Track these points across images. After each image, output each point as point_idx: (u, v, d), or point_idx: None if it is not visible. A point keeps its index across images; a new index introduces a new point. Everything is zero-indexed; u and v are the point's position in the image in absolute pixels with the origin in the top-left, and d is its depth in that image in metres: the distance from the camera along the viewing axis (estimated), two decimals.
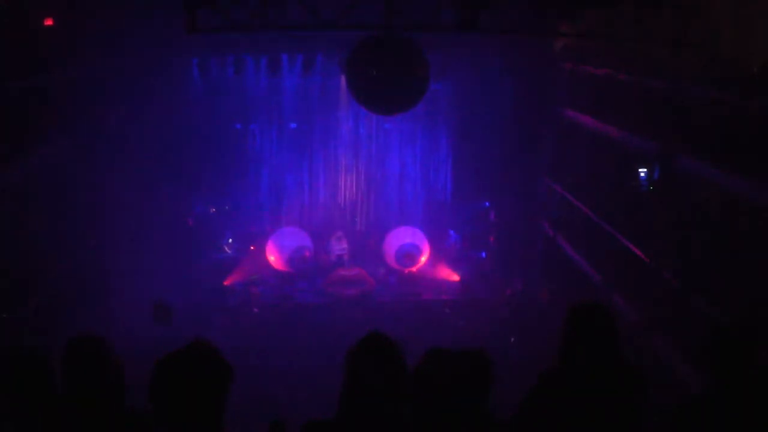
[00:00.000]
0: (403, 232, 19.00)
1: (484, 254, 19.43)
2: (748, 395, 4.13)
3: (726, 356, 4.23)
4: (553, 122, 17.15)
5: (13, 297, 10.30)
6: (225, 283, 17.85)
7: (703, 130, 10.74)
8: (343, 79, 16.20)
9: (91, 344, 4.05)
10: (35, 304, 10.88)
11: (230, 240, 19.05)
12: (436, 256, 19.05)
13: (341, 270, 18.29)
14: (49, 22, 11.03)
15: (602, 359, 4.39)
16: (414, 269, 18.64)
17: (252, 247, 18.96)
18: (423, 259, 18.78)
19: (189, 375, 3.33)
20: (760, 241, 9.31)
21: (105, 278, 14.33)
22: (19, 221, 10.25)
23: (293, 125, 18.87)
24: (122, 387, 4.01)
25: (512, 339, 15.23)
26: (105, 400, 3.90)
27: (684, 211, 11.46)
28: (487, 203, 19.53)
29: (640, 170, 13.53)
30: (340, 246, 18.94)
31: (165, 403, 3.32)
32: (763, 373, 4.20)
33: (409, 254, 18.60)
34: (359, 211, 19.77)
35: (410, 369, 3.73)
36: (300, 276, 18.26)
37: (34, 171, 11.20)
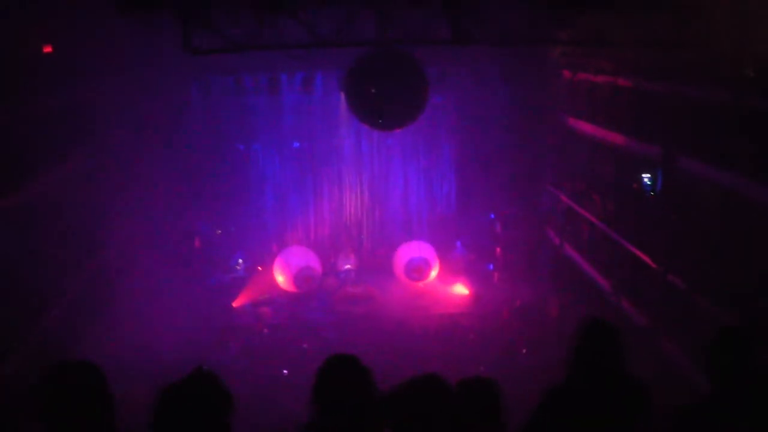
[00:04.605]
0: (413, 247, 18.99)
1: (491, 266, 19.38)
2: (751, 396, 4.10)
3: (729, 358, 4.20)
4: (555, 130, 17.17)
5: (21, 321, 10.31)
6: (233, 304, 17.84)
7: (704, 131, 10.74)
8: (343, 96, 16.25)
9: (84, 372, 3.70)
10: (42, 329, 10.89)
11: (240, 260, 19.03)
12: (445, 269, 19.04)
13: (349, 287, 18.28)
14: (48, 49, 11.09)
15: (608, 376, 4.39)
16: (423, 283, 18.62)
17: (259, 268, 18.95)
18: (433, 273, 18.75)
19: (190, 405, 3.35)
20: (764, 241, 9.28)
21: (112, 302, 14.32)
22: (24, 245, 10.28)
23: (296, 144, 18.91)
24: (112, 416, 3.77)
25: (524, 351, 15.17)
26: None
27: (688, 213, 11.44)
28: (492, 215, 19.48)
29: (642, 174, 13.53)
30: (347, 263, 18.95)
31: None
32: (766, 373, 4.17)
33: (418, 268, 18.58)
34: (365, 227, 19.75)
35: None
36: (308, 295, 18.22)
37: (38, 194, 11.25)
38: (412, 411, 3.64)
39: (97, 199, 13.54)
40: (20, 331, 10.32)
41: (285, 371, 14.77)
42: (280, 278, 18.34)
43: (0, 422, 8.54)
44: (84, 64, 12.30)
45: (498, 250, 19.32)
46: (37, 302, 10.77)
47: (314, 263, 18.59)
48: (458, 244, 19.60)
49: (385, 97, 13.89)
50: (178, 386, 3.42)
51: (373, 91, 13.93)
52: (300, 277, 18.25)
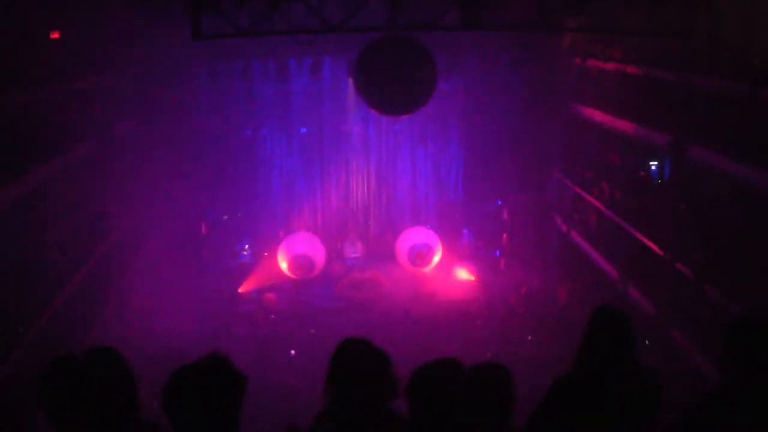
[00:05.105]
0: (416, 233, 18.99)
1: (498, 253, 19.37)
2: (762, 390, 4.05)
3: (739, 351, 4.14)
4: (563, 117, 17.11)
5: (28, 308, 10.32)
6: (239, 290, 17.88)
7: (713, 120, 10.69)
8: (351, 82, 16.21)
9: (106, 356, 3.62)
10: (49, 315, 10.89)
11: (247, 246, 19.05)
12: (451, 255, 19.03)
13: (355, 273, 18.30)
14: (55, 35, 11.05)
15: (619, 365, 4.37)
16: (426, 269, 18.62)
17: (265, 253, 18.96)
18: (435, 258, 18.73)
19: (204, 387, 3.32)
20: None
21: (119, 288, 14.35)
22: (32, 230, 10.28)
23: (303, 129, 18.86)
24: (135, 402, 3.73)
25: (529, 337, 15.18)
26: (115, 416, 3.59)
27: (696, 202, 11.41)
28: (499, 201, 19.45)
29: (651, 163, 13.49)
30: (353, 249, 18.96)
31: (180, 415, 3.32)
32: None
33: (420, 254, 18.57)
34: (372, 213, 19.73)
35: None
36: (313, 281, 18.25)
37: (46, 180, 11.24)
38: (431, 394, 3.65)
39: (103, 186, 13.55)
40: (24, 324, 10.29)
41: (292, 351, 14.85)
42: (283, 264, 18.37)
43: (4, 416, 8.57)
44: (90, 50, 12.28)
45: (505, 236, 19.30)
46: (43, 292, 10.76)
47: (313, 251, 18.56)
48: (465, 231, 19.58)
49: (394, 83, 13.87)
50: (192, 368, 3.38)
51: (381, 77, 13.91)
52: (295, 264, 18.27)
